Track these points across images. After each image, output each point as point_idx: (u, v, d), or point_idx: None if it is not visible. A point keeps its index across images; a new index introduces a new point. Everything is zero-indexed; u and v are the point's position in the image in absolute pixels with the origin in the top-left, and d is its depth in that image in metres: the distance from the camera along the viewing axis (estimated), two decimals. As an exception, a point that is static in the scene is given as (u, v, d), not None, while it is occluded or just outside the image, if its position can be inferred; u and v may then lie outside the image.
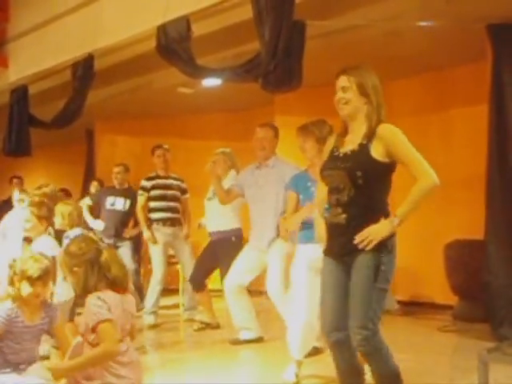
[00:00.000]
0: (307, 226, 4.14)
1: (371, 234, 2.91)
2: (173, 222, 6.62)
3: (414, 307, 6.81)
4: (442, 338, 5.69)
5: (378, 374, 3.01)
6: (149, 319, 6.41)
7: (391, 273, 3.00)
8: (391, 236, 2.96)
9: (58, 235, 4.91)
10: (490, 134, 5.33)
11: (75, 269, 2.80)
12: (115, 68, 6.53)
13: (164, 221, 6.59)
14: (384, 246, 2.93)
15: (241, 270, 5.26)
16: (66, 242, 4.61)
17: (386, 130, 3.00)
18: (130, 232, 7.23)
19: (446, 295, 6.51)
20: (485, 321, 5.42)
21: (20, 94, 7.33)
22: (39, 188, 5.80)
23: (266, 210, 5.14)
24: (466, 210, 6.46)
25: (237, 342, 5.42)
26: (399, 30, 5.48)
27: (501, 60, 5.28)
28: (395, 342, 4.90)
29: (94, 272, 2.77)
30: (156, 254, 6.60)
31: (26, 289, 3.10)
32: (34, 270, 3.10)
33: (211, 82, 6.80)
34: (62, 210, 4.81)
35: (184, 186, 6.78)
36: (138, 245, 7.49)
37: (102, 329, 2.74)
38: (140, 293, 7.13)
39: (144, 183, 6.71)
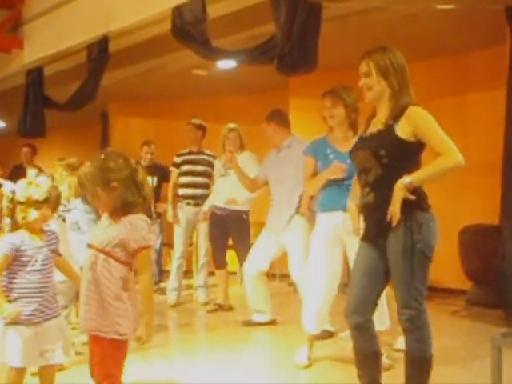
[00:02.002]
0: (328, 192, 4.11)
1: (391, 209, 2.88)
2: (197, 202, 6.60)
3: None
4: (455, 322, 5.70)
5: (411, 354, 3.01)
6: (170, 298, 6.54)
7: (430, 247, 2.96)
8: (420, 210, 2.94)
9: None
10: (507, 119, 5.27)
11: (114, 184, 2.68)
12: (130, 50, 6.52)
13: (188, 198, 6.61)
14: (414, 222, 2.91)
15: (260, 255, 5.26)
16: (69, 215, 4.66)
17: (414, 111, 2.99)
18: (161, 207, 7.23)
19: (459, 280, 6.50)
20: (498, 306, 5.40)
21: (35, 75, 7.35)
22: (62, 159, 5.81)
23: (286, 190, 5.11)
24: (481, 195, 6.43)
25: (249, 324, 5.46)
26: (416, 13, 5.41)
27: (519, 43, 5.20)
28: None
29: (133, 189, 2.71)
30: (177, 233, 6.67)
31: (33, 214, 3.15)
32: (39, 194, 3.16)
33: (226, 65, 6.78)
34: (70, 180, 4.83)
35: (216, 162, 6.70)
36: (163, 224, 7.49)
37: (145, 255, 2.71)
38: (160, 273, 7.25)
39: (175, 159, 6.78)
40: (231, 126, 6.10)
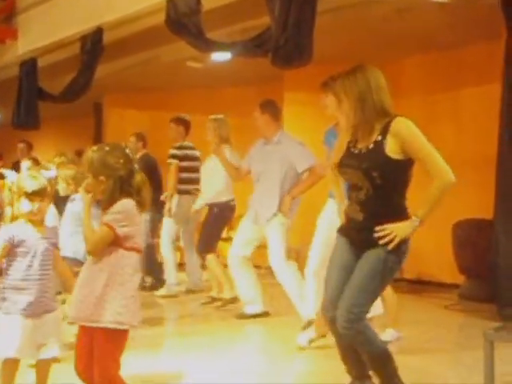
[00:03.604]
0: None
1: (395, 231, 2.89)
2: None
3: (420, 285, 6.83)
4: (447, 316, 5.71)
5: (366, 355, 3.04)
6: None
7: (395, 272, 3.03)
8: (407, 239, 2.96)
9: (63, 202, 4.88)
10: (501, 114, 5.27)
11: (102, 178, 2.76)
12: (124, 41, 6.50)
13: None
14: (398, 246, 2.92)
15: (241, 241, 5.34)
16: (70, 205, 4.64)
17: (400, 125, 2.94)
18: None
19: (452, 274, 6.51)
20: (491, 301, 5.41)
21: (29, 66, 7.32)
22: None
23: (269, 185, 5.16)
24: (475, 189, 6.43)
25: (242, 317, 5.46)
26: (411, 7, 5.40)
27: (515, 37, 5.19)
28: (401, 320, 4.94)
29: (120, 189, 2.75)
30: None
31: (25, 205, 3.17)
32: (30, 185, 3.18)
33: (220, 57, 6.75)
34: (65, 174, 4.78)
35: (171, 152, 6.65)
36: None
37: (104, 229, 2.74)
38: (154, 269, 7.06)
39: None
40: (211, 117, 6.12)
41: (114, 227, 2.71)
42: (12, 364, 3.17)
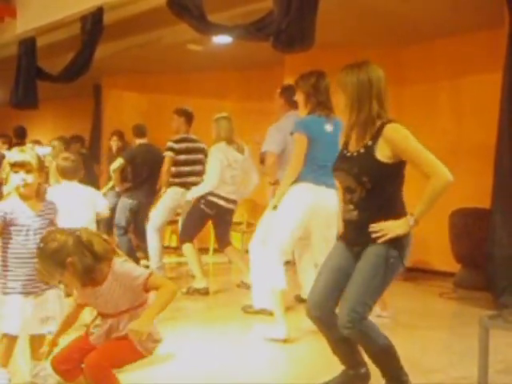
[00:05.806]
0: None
1: (387, 229, 2.87)
2: None
3: (416, 273, 6.84)
4: (442, 304, 5.74)
5: (368, 353, 3.03)
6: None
7: (397, 269, 2.96)
8: (407, 234, 2.92)
9: None
10: (502, 103, 5.26)
11: (69, 260, 2.59)
12: (124, 22, 6.43)
13: None
14: (399, 241, 2.90)
15: None
16: None
17: (392, 131, 2.90)
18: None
19: (448, 262, 6.53)
20: (486, 289, 5.44)
21: (28, 45, 7.26)
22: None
23: None
24: (472, 178, 6.43)
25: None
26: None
27: (518, 27, 5.17)
28: (396, 307, 4.97)
29: (86, 253, 2.63)
30: None
31: (13, 178, 3.17)
32: (14, 157, 3.19)
33: (221, 40, 6.72)
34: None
35: (167, 144, 6.53)
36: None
37: (152, 280, 2.67)
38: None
39: None
40: (214, 116, 6.10)
41: (149, 273, 2.70)
42: (13, 339, 3.20)
